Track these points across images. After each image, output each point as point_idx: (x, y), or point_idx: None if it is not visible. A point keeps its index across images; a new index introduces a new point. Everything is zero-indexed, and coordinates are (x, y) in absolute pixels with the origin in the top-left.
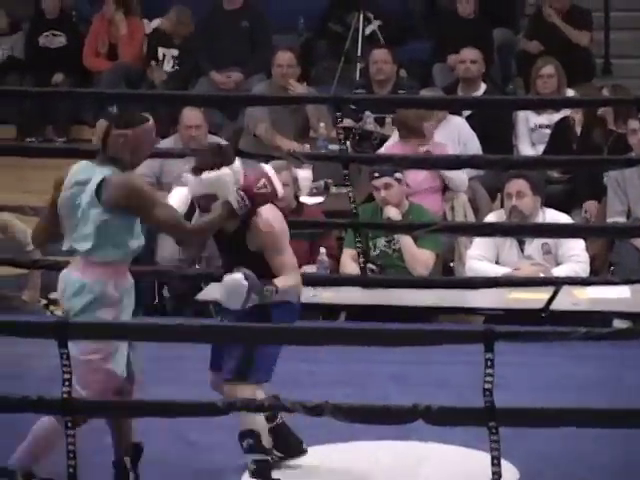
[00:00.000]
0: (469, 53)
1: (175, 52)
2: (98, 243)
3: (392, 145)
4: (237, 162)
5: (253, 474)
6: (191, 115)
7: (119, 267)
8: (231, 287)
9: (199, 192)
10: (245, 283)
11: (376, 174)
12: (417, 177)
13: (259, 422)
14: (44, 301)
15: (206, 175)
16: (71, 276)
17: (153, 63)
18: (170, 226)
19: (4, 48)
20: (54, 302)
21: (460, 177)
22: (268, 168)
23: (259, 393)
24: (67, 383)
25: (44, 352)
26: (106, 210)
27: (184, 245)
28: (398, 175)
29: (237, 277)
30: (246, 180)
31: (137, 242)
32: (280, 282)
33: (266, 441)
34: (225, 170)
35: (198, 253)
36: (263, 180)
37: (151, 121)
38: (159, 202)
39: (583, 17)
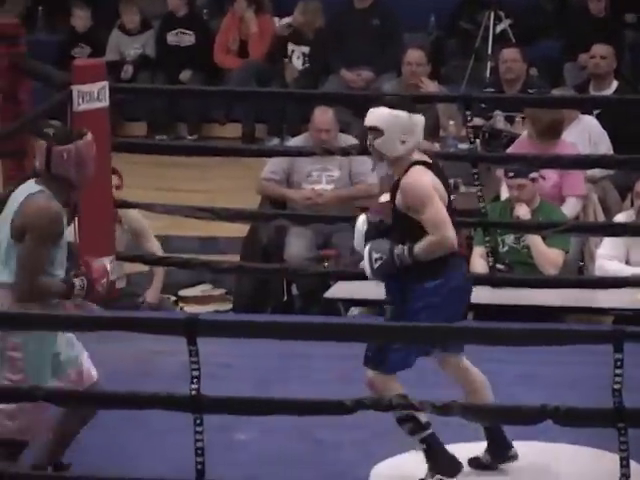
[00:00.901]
0: (599, 49)
1: (305, 49)
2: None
3: (522, 143)
4: None
5: (427, 453)
6: (323, 119)
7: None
8: (356, 228)
9: None
10: (363, 225)
11: (511, 174)
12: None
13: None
14: (173, 298)
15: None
16: None
17: (286, 61)
18: (30, 268)
19: (136, 47)
20: (183, 299)
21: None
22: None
23: (393, 384)
24: (195, 380)
25: (173, 349)
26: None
27: (22, 288)
28: (533, 175)
29: (361, 218)
30: (94, 273)
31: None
32: (419, 243)
33: (423, 417)
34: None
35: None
36: (105, 279)
37: (90, 135)
38: (42, 244)
39: None
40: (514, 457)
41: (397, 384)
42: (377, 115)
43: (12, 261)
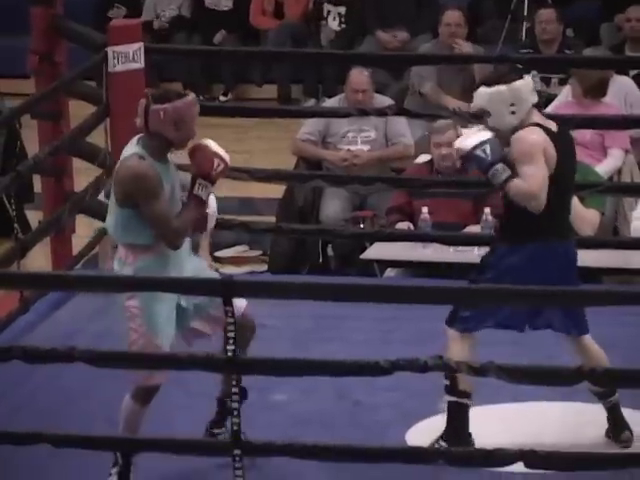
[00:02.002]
0: (636, 11)
1: (342, 9)
2: None
3: (562, 104)
4: None
5: (448, 418)
6: (359, 79)
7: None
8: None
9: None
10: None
11: None
12: (585, 136)
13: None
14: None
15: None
16: None
17: (323, 23)
18: (161, 222)
19: (172, 8)
20: (219, 260)
21: None
22: (208, 143)
23: (459, 343)
24: (231, 342)
25: None
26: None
27: (167, 240)
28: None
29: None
30: (200, 168)
31: None
32: (518, 180)
33: (464, 385)
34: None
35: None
36: (216, 160)
37: (192, 96)
38: (159, 196)
39: None
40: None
41: (464, 344)
42: (478, 97)
43: (129, 222)
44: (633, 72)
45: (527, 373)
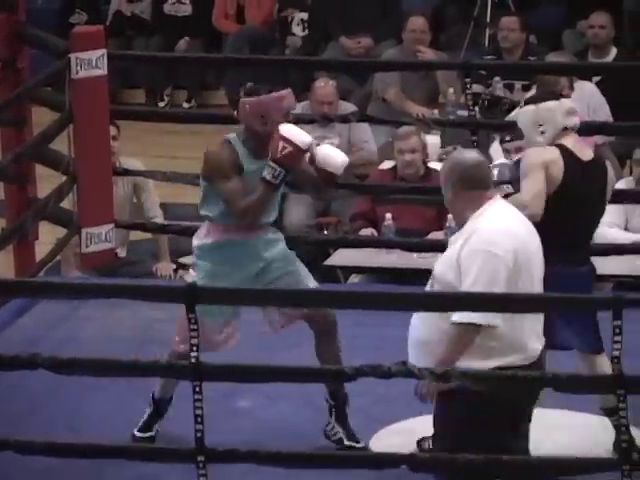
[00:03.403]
0: (598, 18)
1: (304, 15)
2: None
3: None
4: None
5: None
6: (324, 91)
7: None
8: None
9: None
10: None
11: (507, 137)
12: None
13: None
14: (173, 266)
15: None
16: None
17: (289, 37)
18: (229, 201)
19: (136, 12)
20: (183, 266)
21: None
22: (282, 127)
23: None
24: (195, 348)
25: (173, 317)
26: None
27: (236, 217)
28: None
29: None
30: (271, 152)
31: None
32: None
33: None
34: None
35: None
36: (281, 143)
37: (284, 92)
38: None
39: None
40: None
41: None
42: (515, 117)
43: (209, 199)
44: (596, 78)
45: (490, 379)
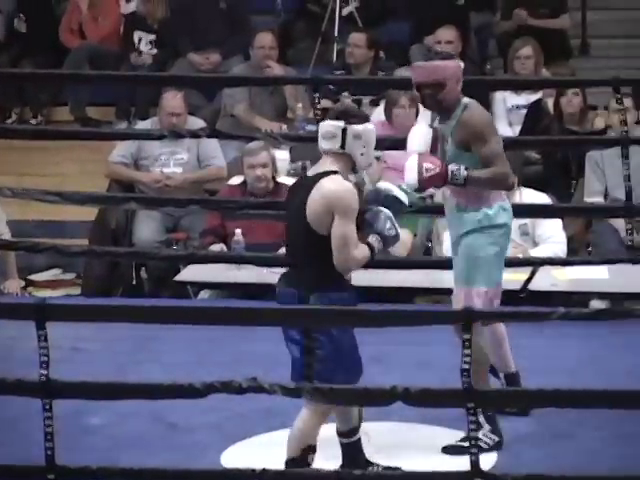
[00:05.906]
0: (444, 33)
1: (152, 37)
2: None
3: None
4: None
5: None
6: (173, 103)
7: None
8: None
9: None
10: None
11: None
12: (396, 155)
13: None
14: (22, 283)
15: None
16: None
17: (135, 54)
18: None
19: None
20: (34, 283)
21: None
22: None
23: None
24: (45, 365)
25: (27, 334)
26: None
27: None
28: (376, 154)
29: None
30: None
31: None
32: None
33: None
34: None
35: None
36: (425, 164)
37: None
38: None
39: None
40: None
41: None
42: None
43: None
44: None
45: (341, 394)
